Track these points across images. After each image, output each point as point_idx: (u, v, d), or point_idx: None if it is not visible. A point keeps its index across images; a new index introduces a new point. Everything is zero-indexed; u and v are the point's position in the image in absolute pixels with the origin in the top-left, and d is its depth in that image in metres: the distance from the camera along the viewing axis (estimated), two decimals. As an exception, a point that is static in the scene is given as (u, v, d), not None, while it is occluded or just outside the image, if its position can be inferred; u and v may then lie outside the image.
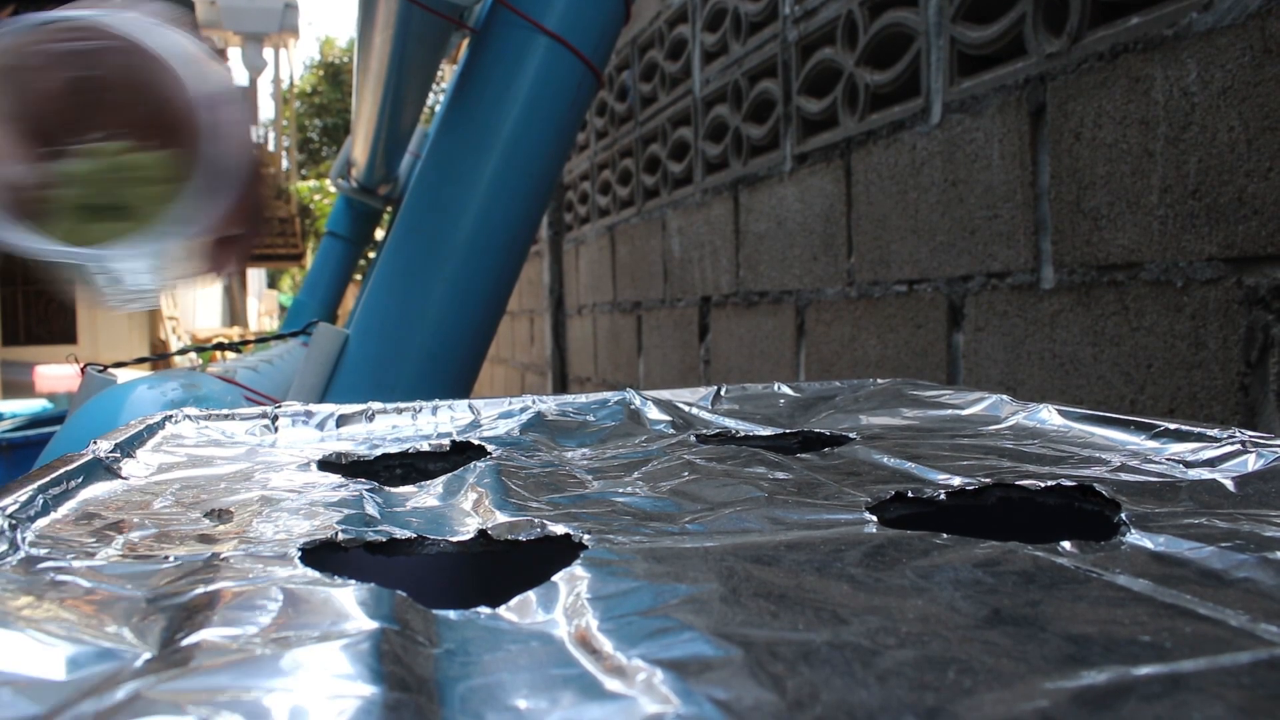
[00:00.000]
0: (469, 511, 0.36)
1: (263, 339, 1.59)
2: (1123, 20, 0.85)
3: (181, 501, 0.38)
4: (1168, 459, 0.40)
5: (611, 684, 0.19)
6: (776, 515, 0.33)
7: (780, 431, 0.53)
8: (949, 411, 0.56)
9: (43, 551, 0.29)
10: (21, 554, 0.29)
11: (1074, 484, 0.36)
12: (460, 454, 0.50)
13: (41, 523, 0.33)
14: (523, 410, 0.59)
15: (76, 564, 0.28)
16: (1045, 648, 0.20)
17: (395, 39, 1.24)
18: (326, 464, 0.47)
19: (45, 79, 0.37)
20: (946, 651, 0.20)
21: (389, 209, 2.57)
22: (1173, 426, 0.44)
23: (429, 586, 0.33)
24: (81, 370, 1.15)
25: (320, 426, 0.57)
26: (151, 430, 0.53)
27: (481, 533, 0.33)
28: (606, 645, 0.21)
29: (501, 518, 0.34)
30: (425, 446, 0.51)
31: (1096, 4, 0.89)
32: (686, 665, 0.20)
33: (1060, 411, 0.51)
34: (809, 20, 1.43)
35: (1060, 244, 0.93)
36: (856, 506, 0.34)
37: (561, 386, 2.96)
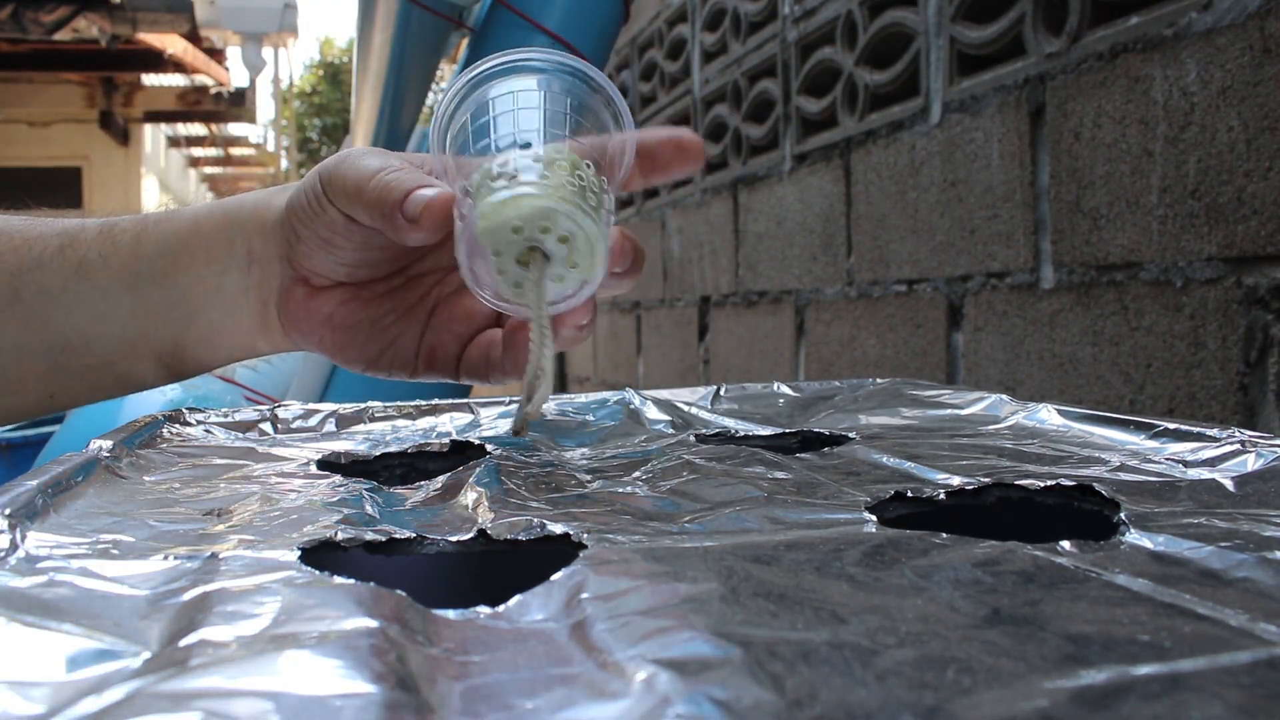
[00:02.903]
0: (469, 511, 0.36)
1: (262, 339, 1.59)
2: (1122, 20, 0.85)
3: (181, 501, 0.38)
4: (1167, 459, 0.40)
5: (611, 684, 0.19)
6: (776, 515, 0.33)
7: (780, 431, 0.53)
8: (948, 411, 0.56)
9: (42, 551, 0.29)
10: (21, 553, 0.29)
11: (1073, 484, 0.36)
12: (460, 454, 0.50)
13: (41, 522, 0.33)
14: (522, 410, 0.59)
15: (76, 563, 0.28)
16: (1045, 647, 0.20)
17: (395, 39, 1.24)
18: (326, 464, 0.47)
19: None
20: (946, 651, 0.20)
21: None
22: (1172, 426, 0.44)
23: (429, 586, 0.33)
24: (81, 370, 1.14)
25: (320, 426, 0.57)
26: (151, 429, 0.52)
27: (481, 532, 0.33)
28: (606, 645, 0.21)
29: (501, 517, 0.34)
30: (425, 446, 0.51)
31: (1096, 4, 0.89)
32: (686, 665, 0.20)
33: (1060, 411, 0.51)
34: (808, 20, 1.43)
35: (1060, 244, 0.93)
36: (856, 506, 0.34)
37: (561, 386, 2.96)
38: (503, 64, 0.42)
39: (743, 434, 0.52)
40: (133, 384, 0.53)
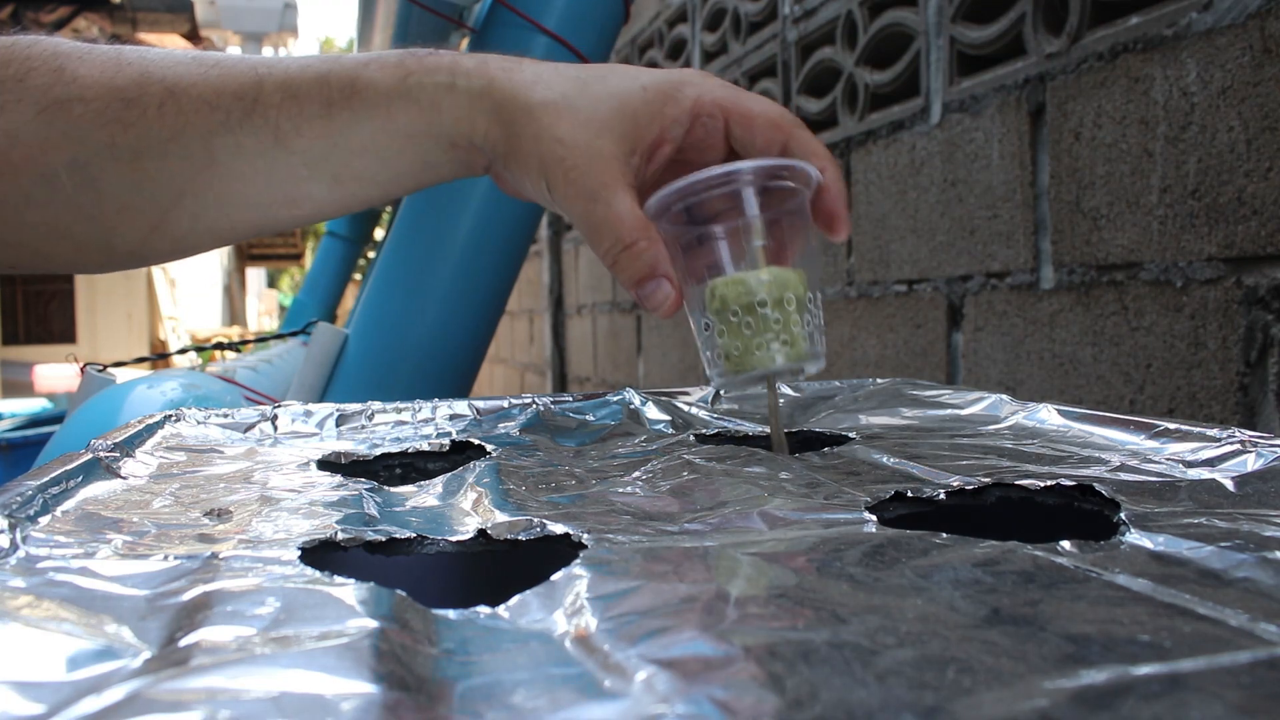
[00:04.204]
0: (468, 511, 0.36)
1: (262, 339, 1.59)
2: (1122, 20, 0.85)
3: (181, 501, 0.38)
4: (1167, 459, 0.40)
5: (611, 683, 0.19)
6: (776, 515, 0.33)
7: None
8: (948, 411, 0.56)
9: (42, 551, 0.29)
10: (21, 553, 0.29)
11: (1074, 484, 0.36)
12: (460, 453, 0.50)
13: (41, 522, 0.33)
14: (522, 410, 0.59)
15: (76, 563, 0.28)
16: (1045, 647, 0.20)
17: (395, 39, 1.24)
18: (326, 464, 0.47)
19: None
20: (946, 651, 0.20)
21: (389, 208, 2.58)
22: (1172, 426, 0.44)
23: (428, 586, 0.33)
24: (81, 370, 1.15)
25: (320, 426, 0.57)
26: (151, 430, 0.53)
27: (481, 532, 0.33)
28: (605, 645, 0.21)
29: (501, 517, 0.34)
30: (425, 446, 0.51)
31: (1096, 4, 0.89)
32: (686, 665, 0.20)
33: (1060, 411, 0.51)
34: (808, 20, 1.43)
35: (1060, 244, 0.93)
36: (856, 506, 0.34)
37: (561, 386, 2.96)
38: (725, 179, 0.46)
39: (743, 434, 0.52)
40: (329, 217, 0.55)
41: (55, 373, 5.09)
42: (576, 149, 0.45)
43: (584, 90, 0.47)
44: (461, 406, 0.60)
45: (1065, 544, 0.28)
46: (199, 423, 0.56)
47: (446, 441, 0.51)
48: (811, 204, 0.48)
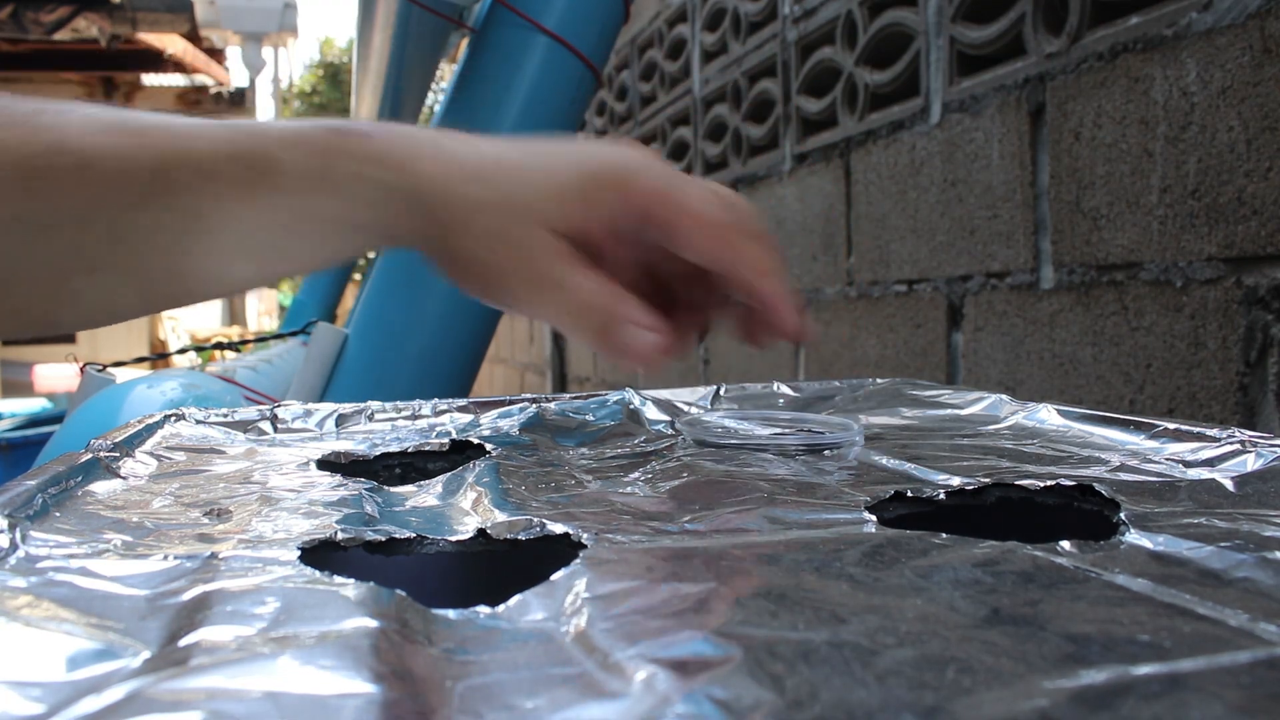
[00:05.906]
0: (468, 511, 0.36)
1: (262, 338, 1.59)
2: (1122, 20, 0.85)
3: (181, 501, 0.38)
4: (1167, 459, 0.40)
5: (610, 683, 0.19)
6: (776, 515, 0.33)
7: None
8: (948, 411, 0.56)
9: (42, 551, 0.29)
10: (21, 553, 0.29)
11: (1073, 484, 0.36)
12: (459, 453, 0.50)
13: (41, 522, 0.33)
14: (522, 409, 0.59)
15: (76, 563, 0.28)
16: (1044, 647, 0.20)
17: (395, 39, 1.24)
18: (326, 463, 0.47)
19: None
20: (945, 651, 0.20)
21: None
22: (1172, 426, 0.44)
23: (428, 586, 0.33)
24: (81, 370, 1.15)
25: (320, 426, 0.57)
26: (151, 429, 0.52)
27: (481, 532, 0.33)
28: (605, 644, 0.21)
29: (501, 517, 0.34)
30: (425, 446, 0.51)
31: (1096, 4, 0.89)
32: (686, 664, 0.20)
33: (1059, 411, 0.51)
34: (808, 20, 1.43)
35: (1060, 244, 0.93)
36: (856, 506, 0.34)
37: (561, 386, 2.96)
38: None
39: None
40: (257, 288, 0.52)
41: (55, 373, 5.09)
42: (518, 248, 0.42)
43: (517, 176, 0.43)
44: (461, 406, 0.60)
45: (1065, 544, 0.28)
46: (199, 422, 0.56)
47: (446, 441, 0.51)
48: (767, 322, 0.44)
